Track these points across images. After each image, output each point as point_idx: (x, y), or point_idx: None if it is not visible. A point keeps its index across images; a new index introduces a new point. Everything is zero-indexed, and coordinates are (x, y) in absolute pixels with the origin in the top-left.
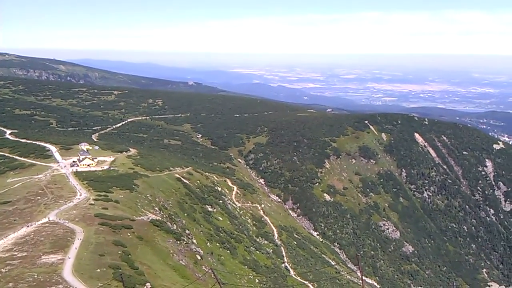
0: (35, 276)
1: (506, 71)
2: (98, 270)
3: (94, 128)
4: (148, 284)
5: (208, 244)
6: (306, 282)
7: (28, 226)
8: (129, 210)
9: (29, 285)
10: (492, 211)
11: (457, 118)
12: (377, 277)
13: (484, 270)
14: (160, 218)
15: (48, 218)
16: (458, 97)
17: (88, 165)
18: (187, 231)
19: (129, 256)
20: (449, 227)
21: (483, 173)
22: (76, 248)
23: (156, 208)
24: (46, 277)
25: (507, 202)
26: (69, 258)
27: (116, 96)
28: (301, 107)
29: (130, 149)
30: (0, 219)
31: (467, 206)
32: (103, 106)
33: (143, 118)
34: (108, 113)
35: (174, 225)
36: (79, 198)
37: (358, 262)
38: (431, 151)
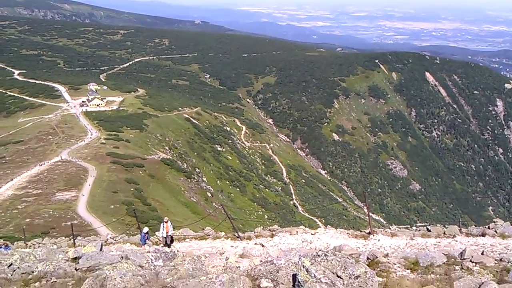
0: (51, 212)
1: None
2: (112, 207)
3: (101, 68)
4: (166, 218)
5: (218, 182)
6: (313, 218)
7: (41, 165)
8: (140, 149)
9: (45, 220)
10: (500, 150)
11: (469, 57)
12: (383, 214)
13: (490, 207)
14: (170, 157)
15: (61, 156)
16: (470, 35)
17: (97, 105)
18: (197, 170)
19: (142, 193)
20: (457, 166)
21: (493, 112)
22: (89, 186)
23: (167, 148)
24: (61, 213)
25: None
26: (83, 195)
27: (122, 36)
28: (310, 46)
29: (139, 89)
30: (13, 158)
31: (475, 145)
32: (110, 46)
33: (150, 58)
34: (115, 53)
35: (185, 164)
36: (90, 138)
37: (365, 199)
38: (442, 91)
